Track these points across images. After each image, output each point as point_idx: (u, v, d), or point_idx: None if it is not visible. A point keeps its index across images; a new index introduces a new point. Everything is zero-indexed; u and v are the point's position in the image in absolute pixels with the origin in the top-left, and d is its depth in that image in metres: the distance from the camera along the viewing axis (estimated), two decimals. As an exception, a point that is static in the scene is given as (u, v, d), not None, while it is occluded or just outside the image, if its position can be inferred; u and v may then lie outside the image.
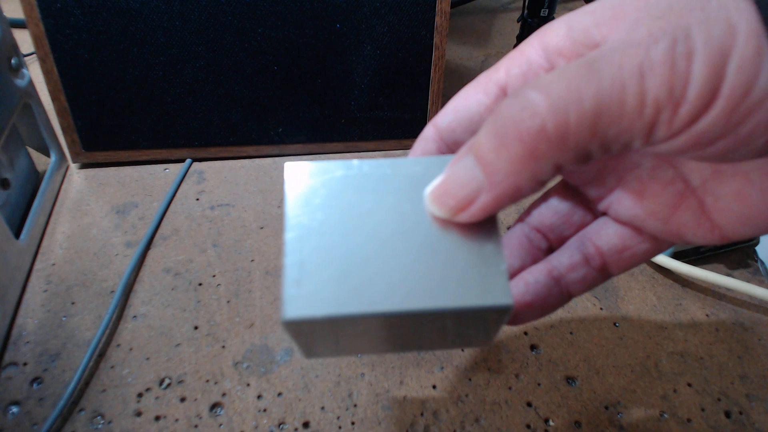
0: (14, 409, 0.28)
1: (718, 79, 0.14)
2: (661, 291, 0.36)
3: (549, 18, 0.56)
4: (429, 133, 0.21)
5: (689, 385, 0.30)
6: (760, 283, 0.36)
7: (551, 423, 0.29)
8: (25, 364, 0.30)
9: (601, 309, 0.34)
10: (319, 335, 0.17)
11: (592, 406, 0.29)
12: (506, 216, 0.41)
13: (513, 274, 0.21)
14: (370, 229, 0.17)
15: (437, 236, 0.17)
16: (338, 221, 0.17)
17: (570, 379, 0.31)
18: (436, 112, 0.46)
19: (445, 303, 0.16)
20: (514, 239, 0.22)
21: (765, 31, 0.13)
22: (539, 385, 0.30)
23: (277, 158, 0.47)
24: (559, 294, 0.21)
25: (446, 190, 0.17)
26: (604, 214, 0.21)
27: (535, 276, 0.21)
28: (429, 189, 0.18)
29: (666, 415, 0.29)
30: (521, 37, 0.58)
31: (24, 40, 0.42)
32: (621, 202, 0.20)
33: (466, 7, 0.74)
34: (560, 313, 0.34)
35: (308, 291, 0.16)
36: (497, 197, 0.16)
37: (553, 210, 0.22)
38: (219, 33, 0.42)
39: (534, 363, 0.31)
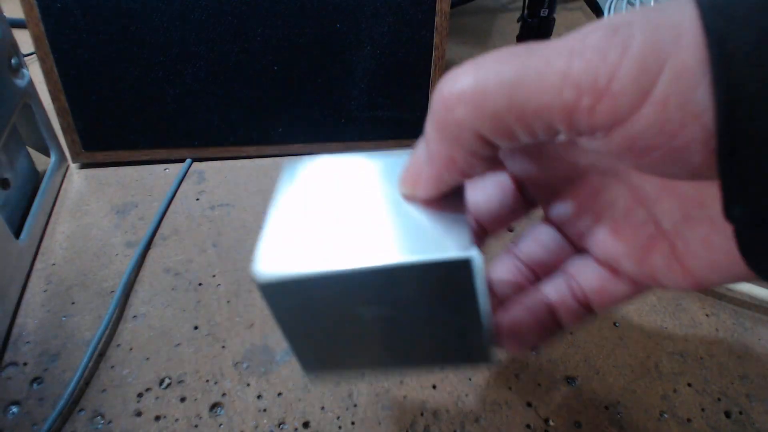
0: (14, 409, 0.28)
1: (649, 80, 0.13)
2: (661, 291, 0.36)
3: (549, 18, 0.56)
4: None
5: (689, 385, 0.30)
6: (760, 284, 0.36)
7: (551, 423, 0.29)
8: (25, 364, 0.30)
9: (601, 309, 0.34)
10: (297, 313, 0.18)
11: (592, 406, 0.29)
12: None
13: (504, 300, 0.21)
14: (351, 207, 0.18)
15: (408, 214, 0.18)
16: (323, 199, 0.19)
17: (570, 379, 0.31)
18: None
19: (406, 258, 0.16)
20: (504, 267, 0.22)
21: (708, 45, 0.13)
22: (539, 385, 0.30)
23: (277, 158, 0.47)
24: (554, 322, 0.21)
25: (407, 169, 0.18)
26: (586, 251, 0.21)
27: (533, 301, 0.21)
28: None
29: (666, 415, 0.29)
30: (521, 38, 0.58)
31: (24, 40, 0.42)
32: (597, 242, 0.20)
33: (466, 7, 0.74)
34: (560, 313, 0.34)
35: (283, 256, 0.17)
36: (436, 168, 0.17)
37: (542, 245, 0.22)
38: (219, 33, 0.42)
39: (534, 363, 0.31)
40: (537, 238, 0.22)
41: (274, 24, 0.42)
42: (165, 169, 0.45)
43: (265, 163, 0.46)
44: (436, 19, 0.43)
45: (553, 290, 0.21)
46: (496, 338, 0.21)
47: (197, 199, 0.42)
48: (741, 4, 0.13)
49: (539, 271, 0.22)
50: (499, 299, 0.22)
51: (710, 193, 0.16)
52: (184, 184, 0.44)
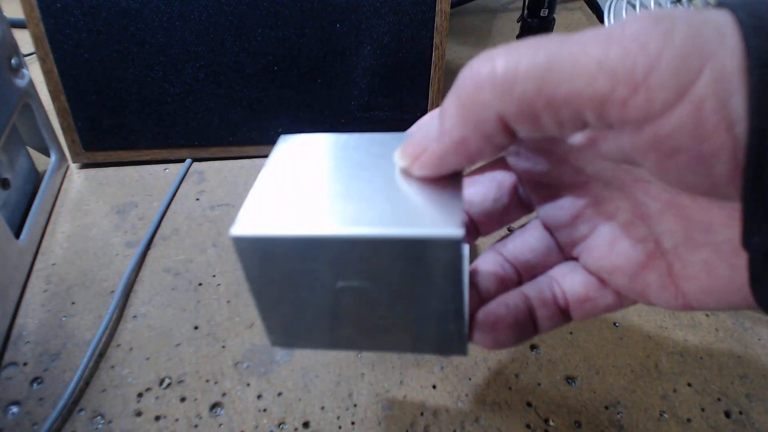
0: (14, 409, 0.28)
1: (688, 78, 0.12)
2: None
3: (549, 18, 0.56)
4: None
5: (689, 384, 0.30)
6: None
7: (551, 423, 0.29)
8: (25, 364, 0.30)
9: (601, 309, 0.34)
10: (270, 277, 0.17)
11: (591, 406, 0.29)
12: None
13: (488, 298, 0.21)
14: (340, 178, 0.18)
15: (399, 189, 0.17)
16: (314, 169, 0.18)
17: (570, 379, 0.31)
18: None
19: (388, 231, 0.15)
20: (489, 265, 0.22)
21: (747, 53, 0.12)
22: (539, 385, 0.30)
23: (277, 158, 0.47)
24: (531, 324, 0.20)
25: (411, 141, 0.17)
26: (575, 259, 0.21)
27: (515, 300, 0.20)
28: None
29: (666, 415, 0.29)
30: (521, 37, 0.58)
31: (24, 40, 0.42)
32: (591, 252, 0.19)
33: (466, 7, 0.74)
34: (560, 313, 0.34)
35: (262, 216, 0.16)
36: (444, 146, 0.16)
37: (530, 247, 0.22)
38: (219, 33, 0.42)
39: (534, 363, 0.31)
40: (526, 240, 0.22)
41: (274, 24, 0.42)
42: (165, 169, 0.45)
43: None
44: (436, 19, 0.43)
45: (534, 292, 0.21)
46: (469, 331, 0.20)
47: (197, 199, 0.42)
48: None
49: (523, 273, 0.22)
50: (479, 293, 0.21)
51: (719, 219, 0.16)
52: (184, 184, 0.44)
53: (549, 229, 0.21)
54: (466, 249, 0.16)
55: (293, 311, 0.18)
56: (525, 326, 0.20)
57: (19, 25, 0.59)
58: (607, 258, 0.19)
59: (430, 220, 0.15)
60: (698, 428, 0.29)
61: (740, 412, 0.29)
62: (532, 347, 0.32)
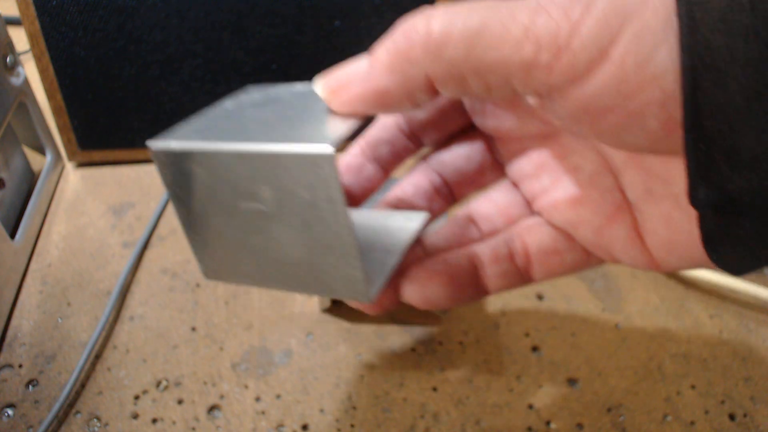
0: (9, 412, 0.28)
1: (609, 38, 0.13)
2: (664, 292, 0.35)
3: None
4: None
5: (693, 387, 0.30)
6: (765, 284, 0.35)
7: (553, 425, 0.28)
8: (20, 366, 0.30)
9: (603, 310, 0.34)
10: (188, 195, 0.18)
11: (594, 409, 0.29)
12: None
13: (434, 254, 0.20)
14: (264, 113, 0.18)
15: (311, 120, 0.17)
16: (243, 107, 0.19)
17: (572, 381, 0.30)
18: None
19: (259, 147, 0.16)
20: (446, 224, 0.21)
21: (677, 8, 0.12)
22: (540, 387, 0.30)
23: (275, 157, 0.46)
24: (475, 284, 0.19)
25: (335, 73, 0.17)
26: (540, 215, 0.20)
27: (456, 258, 0.19)
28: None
29: (669, 418, 0.29)
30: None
31: (19, 38, 0.41)
32: (556, 205, 0.19)
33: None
34: (562, 314, 0.34)
35: (179, 137, 0.17)
36: (366, 90, 0.16)
37: (493, 201, 0.21)
38: (216, 31, 0.41)
39: (535, 365, 0.31)
40: (489, 195, 0.21)
41: (273, 22, 0.41)
42: (162, 169, 0.45)
43: (264, 162, 0.46)
44: (436, 16, 0.43)
45: (487, 249, 0.20)
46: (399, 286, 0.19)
47: (195, 199, 0.42)
48: None
49: (486, 229, 0.21)
50: (424, 249, 0.20)
51: (677, 170, 0.15)
52: (181, 183, 0.43)
53: (514, 182, 0.21)
54: (332, 158, 0.16)
55: (213, 238, 0.19)
56: (464, 285, 0.19)
57: (14, 22, 0.58)
58: (573, 211, 0.18)
59: (308, 140, 0.16)
60: (702, 431, 0.28)
61: (744, 415, 0.29)
62: (534, 348, 0.32)
